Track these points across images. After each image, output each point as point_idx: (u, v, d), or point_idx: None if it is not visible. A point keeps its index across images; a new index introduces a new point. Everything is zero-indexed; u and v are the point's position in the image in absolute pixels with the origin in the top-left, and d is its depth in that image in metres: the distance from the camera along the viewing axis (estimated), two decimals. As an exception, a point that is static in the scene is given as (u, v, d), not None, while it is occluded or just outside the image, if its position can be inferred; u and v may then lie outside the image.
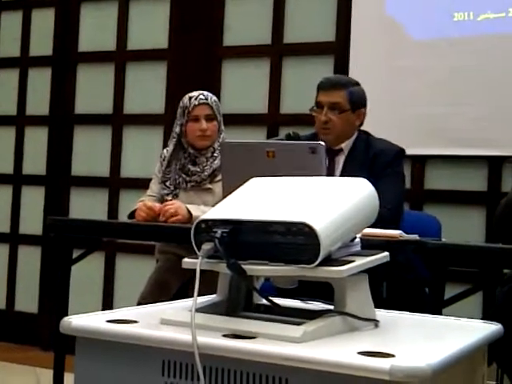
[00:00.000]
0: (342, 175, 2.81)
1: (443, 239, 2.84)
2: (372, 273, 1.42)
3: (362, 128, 2.97)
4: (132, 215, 2.93)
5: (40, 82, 4.82)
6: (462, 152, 3.61)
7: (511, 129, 3.49)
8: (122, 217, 4.05)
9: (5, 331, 4.75)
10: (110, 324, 1.36)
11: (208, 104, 3.05)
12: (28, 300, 4.76)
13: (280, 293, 1.57)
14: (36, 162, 4.81)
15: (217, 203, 1.47)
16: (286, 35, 4.14)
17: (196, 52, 4.35)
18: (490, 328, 1.47)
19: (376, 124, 3.28)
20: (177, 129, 3.09)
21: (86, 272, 4.17)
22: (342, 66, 3.89)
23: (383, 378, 1.10)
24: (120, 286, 4.51)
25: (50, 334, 4.39)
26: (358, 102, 2.89)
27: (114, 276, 4.55)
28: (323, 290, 1.48)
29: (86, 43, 4.73)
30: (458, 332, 1.45)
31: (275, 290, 1.63)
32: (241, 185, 1.53)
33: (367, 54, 3.83)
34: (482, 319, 1.60)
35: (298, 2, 4.10)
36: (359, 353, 1.16)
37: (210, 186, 3.04)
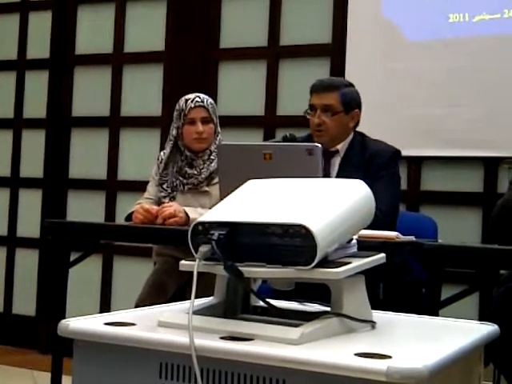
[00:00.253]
0: (337, 177, 2.81)
1: (439, 240, 2.85)
2: (369, 274, 1.43)
3: (358, 129, 2.97)
4: (129, 218, 2.94)
5: (37, 84, 4.82)
6: (458, 153, 3.61)
7: (507, 130, 3.50)
8: (120, 219, 4.05)
9: (2, 334, 4.75)
10: (107, 326, 1.36)
11: (204, 106, 3.05)
12: (26, 303, 4.75)
13: (277, 295, 1.57)
14: (33, 164, 4.81)
15: (214, 206, 1.48)
16: (282, 37, 4.15)
17: (193, 54, 4.35)
18: (487, 329, 1.48)
19: (372, 125, 3.29)
20: (173, 131, 3.10)
21: (84, 275, 4.17)
22: (338, 67, 3.90)
23: (380, 379, 1.10)
24: (117, 289, 4.52)
25: (47, 336, 4.40)
26: (351, 104, 2.89)
27: (112, 278, 4.55)
28: (320, 292, 1.48)
29: (82, 46, 4.74)
30: (455, 333, 1.46)
31: (272, 292, 1.63)
32: (238, 187, 1.53)
33: (363, 56, 3.83)
34: (478, 320, 1.60)
35: (294, 4, 4.11)
36: (356, 354, 1.16)
37: (207, 188, 3.05)
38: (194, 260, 1.33)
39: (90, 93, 4.70)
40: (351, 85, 2.95)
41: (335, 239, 1.33)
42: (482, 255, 2.13)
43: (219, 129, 3.13)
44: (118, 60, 4.62)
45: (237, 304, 1.49)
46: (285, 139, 2.76)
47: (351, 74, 3.75)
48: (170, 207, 2.82)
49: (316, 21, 4.04)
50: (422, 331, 1.49)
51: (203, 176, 3.05)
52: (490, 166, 3.59)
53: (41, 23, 4.83)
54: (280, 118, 4.10)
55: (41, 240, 4.68)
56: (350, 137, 2.92)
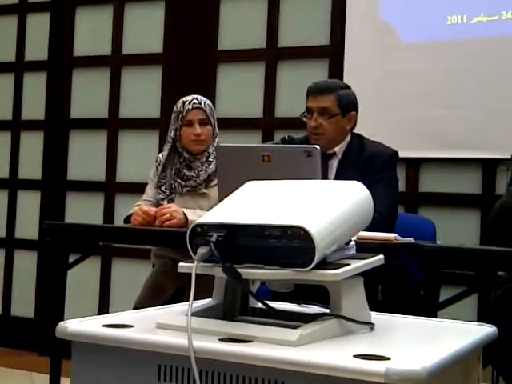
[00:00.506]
0: (335, 179, 2.81)
1: (438, 242, 2.85)
2: (367, 276, 1.43)
3: (357, 130, 2.97)
4: (128, 220, 2.94)
5: (35, 86, 4.82)
6: (457, 155, 3.61)
7: (505, 131, 3.51)
8: (118, 221, 4.05)
9: (1, 336, 4.75)
10: (106, 328, 1.36)
11: (202, 108, 3.05)
12: (24, 305, 4.75)
13: (276, 296, 1.57)
14: (32, 166, 4.81)
15: (212, 208, 1.48)
16: (280, 39, 4.15)
17: (191, 56, 4.35)
18: (485, 330, 1.48)
19: (370, 127, 3.30)
20: (171, 133, 3.10)
21: (82, 276, 4.17)
22: (336, 69, 3.90)
23: (379, 380, 1.10)
24: (116, 291, 4.51)
25: (46, 338, 4.39)
26: (347, 106, 2.88)
27: (110, 280, 4.55)
28: (319, 294, 1.48)
29: (81, 48, 4.74)
30: (453, 334, 1.46)
31: (271, 294, 1.63)
32: (236, 189, 1.53)
33: (361, 58, 3.84)
34: (477, 321, 1.60)
35: (292, 5, 4.11)
36: (355, 356, 1.16)
37: (205, 190, 3.05)
38: (193, 262, 1.33)
39: (88, 94, 4.70)
40: (348, 87, 2.95)
41: (334, 241, 1.34)
42: (480, 257, 2.13)
43: (217, 131, 3.13)
44: (116, 62, 4.62)
45: (235, 306, 1.49)
46: (283, 141, 2.76)
47: (349, 75, 3.76)
48: (169, 208, 2.82)
49: (314, 22, 4.04)
50: (420, 333, 1.49)
51: (201, 178, 3.05)
52: (489, 167, 3.59)
53: (39, 25, 4.83)
54: (278, 120, 4.10)
55: (39, 242, 4.68)
56: (348, 139, 2.92)
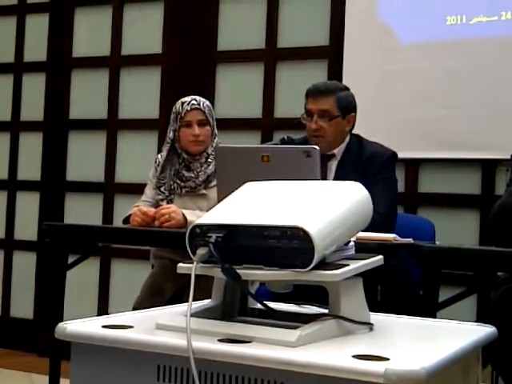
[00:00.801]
0: (335, 180, 2.81)
1: (437, 242, 2.85)
2: (366, 276, 1.43)
3: (356, 131, 2.97)
4: (127, 220, 2.94)
5: (34, 87, 4.82)
6: (456, 155, 3.62)
7: (505, 132, 3.51)
8: (117, 222, 4.05)
9: (0, 337, 4.74)
10: (105, 329, 1.36)
11: (200, 109, 3.05)
12: (23, 306, 4.75)
13: (275, 297, 1.57)
14: (31, 167, 4.81)
15: (211, 209, 1.48)
16: (279, 40, 4.15)
17: (190, 57, 4.35)
18: (484, 330, 1.48)
19: (370, 127, 3.30)
20: (170, 134, 3.10)
21: (82, 277, 4.17)
22: (335, 70, 3.90)
23: (378, 381, 1.10)
24: (115, 291, 4.51)
25: (45, 339, 4.39)
26: (347, 108, 2.88)
27: (109, 281, 4.54)
28: (318, 294, 1.48)
29: (80, 48, 4.74)
30: (453, 335, 1.46)
31: (270, 294, 1.63)
32: (236, 189, 1.53)
33: (361, 58, 3.84)
34: (476, 322, 1.60)
35: (291, 6, 4.11)
36: (354, 356, 1.16)
37: (204, 191, 3.05)
38: (192, 262, 1.33)
39: (87, 95, 4.70)
40: (346, 88, 2.95)
41: (333, 241, 1.33)
42: (479, 257, 2.13)
43: (216, 131, 3.13)
44: (115, 62, 4.61)
45: (234, 306, 1.49)
46: (283, 142, 2.76)
47: (349, 76, 3.76)
48: (168, 209, 2.82)
49: (313, 23, 4.04)
50: (419, 333, 1.49)
51: (200, 179, 3.04)
52: (488, 168, 3.59)
53: (38, 26, 4.83)
54: (278, 121, 4.10)
55: (38, 243, 4.68)
56: (347, 140, 2.92)
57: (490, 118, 3.54)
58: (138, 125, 4.52)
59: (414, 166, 3.75)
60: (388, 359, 1.15)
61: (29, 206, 4.80)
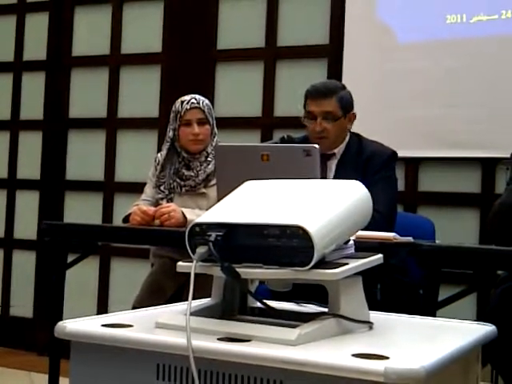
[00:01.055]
0: (334, 179, 2.80)
1: (437, 241, 2.85)
2: (366, 275, 1.43)
3: (356, 131, 2.97)
4: (127, 219, 2.94)
5: (34, 86, 4.82)
6: (456, 154, 3.61)
7: (504, 131, 3.50)
8: (117, 221, 4.05)
9: (0, 336, 4.74)
10: (104, 328, 1.36)
11: (200, 108, 3.05)
12: (23, 305, 4.74)
13: (274, 295, 1.57)
14: (30, 166, 4.81)
15: (211, 207, 1.48)
16: (279, 38, 4.15)
17: (190, 55, 4.35)
18: (484, 329, 1.48)
19: (370, 126, 3.29)
20: (170, 133, 3.10)
21: (81, 276, 4.17)
22: (335, 68, 3.90)
23: (377, 380, 1.10)
24: (115, 290, 4.51)
25: (45, 338, 4.38)
26: (347, 107, 2.88)
27: (109, 280, 4.54)
28: (317, 293, 1.48)
29: (79, 47, 4.74)
30: (452, 333, 1.46)
31: (270, 293, 1.63)
32: (235, 188, 1.53)
33: (361, 57, 3.84)
34: (476, 320, 1.60)
35: (291, 5, 4.11)
36: (353, 355, 1.16)
37: (204, 190, 3.05)
38: (192, 261, 1.33)
39: (87, 94, 4.69)
40: (344, 87, 2.95)
41: (333, 240, 1.33)
42: (479, 256, 2.13)
43: (216, 130, 3.12)
44: (115, 61, 4.61)
45: (234, 305, 1.49)
46: (282, 140, 2.76)
47: (348, 75, 3.76)
48: (168, 207, 2.82)
49: (313, 22, 4.04)
50: (419, 332, 1.49)
51: (200, 178, 3.04)
52: (488, 166, 3.59)
53: (37, 25, 4.83)
54: (277, 119, 4.10)
55: (38, 242, 4.68)
56: (347, 139, 2.92)
57: (490, 117, 3.54)
58: (138, 124, 4.52)
59: (413, 165, 3.75)
60: (388, 358, 1.15)
61: (28, 204, 4.80)
